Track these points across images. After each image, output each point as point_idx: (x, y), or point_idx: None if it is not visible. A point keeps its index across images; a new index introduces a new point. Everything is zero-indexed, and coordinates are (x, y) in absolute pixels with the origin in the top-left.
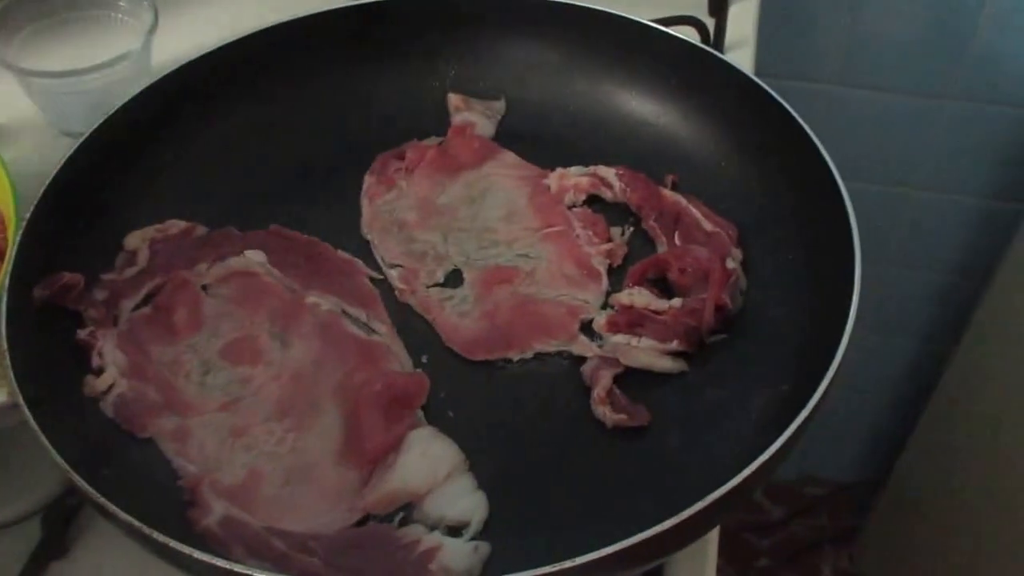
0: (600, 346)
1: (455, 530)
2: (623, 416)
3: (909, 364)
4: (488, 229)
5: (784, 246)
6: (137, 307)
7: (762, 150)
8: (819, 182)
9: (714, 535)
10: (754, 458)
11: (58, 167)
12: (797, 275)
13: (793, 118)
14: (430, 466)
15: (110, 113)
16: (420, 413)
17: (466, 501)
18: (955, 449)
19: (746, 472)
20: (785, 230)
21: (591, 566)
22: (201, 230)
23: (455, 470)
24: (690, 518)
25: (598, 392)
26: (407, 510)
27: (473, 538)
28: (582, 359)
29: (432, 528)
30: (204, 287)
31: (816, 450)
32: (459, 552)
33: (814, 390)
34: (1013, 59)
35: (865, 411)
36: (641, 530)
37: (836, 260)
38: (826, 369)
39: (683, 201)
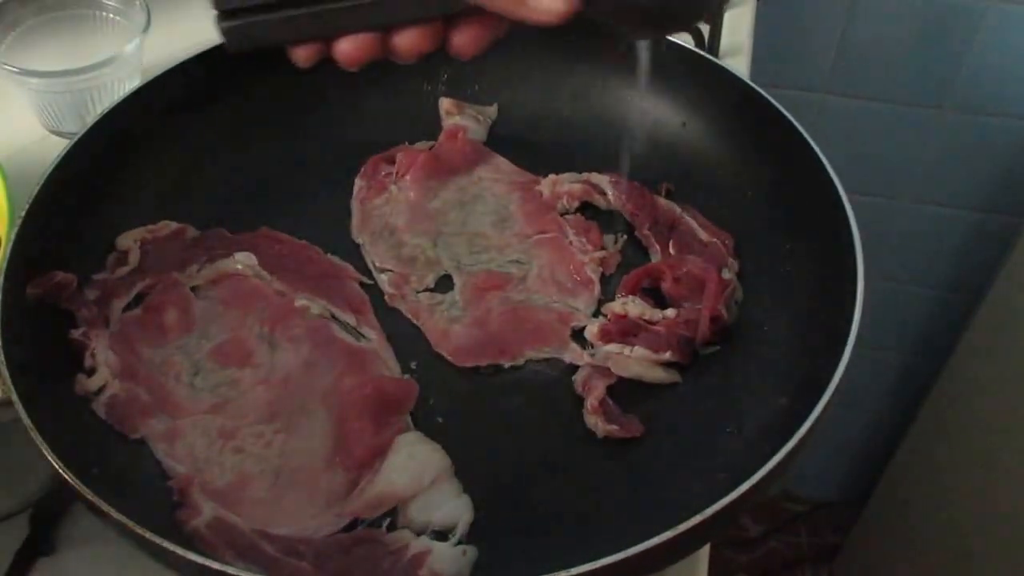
0: (592, 355)
1: (441, 535)
2: (615, 427)
3: (895, 380)
4: (479, 234)
5: (782, 257)
6: (128, 308)
7: (760, 158)
8: (819, 191)
9: (705, 550)
10: (749, 475)
11: (52, 167)
12: (795, 287)
13: (793, 125)
14: (416, 470)
15: (102, 114)
16: (408, 419)
17: (452, 505)
18: (941, 468)
19: (740, 490)
20: (783, 240)
21: None
22: (192, 231)
23: (441, 475)
24: (682, 534)
25: (591, 402)
26: (394, 515)
27: (460, 542)
28: (573, 367)
29: (419, 533)
30: (194, 289)
31: (797, 466)
32: (448, 557)
33: (812, 406)
34: (1009, 70)
35: (847, 428)
36: (631, 545)
37: (836, 272)
38: (826, 385)
39: (678, 210)
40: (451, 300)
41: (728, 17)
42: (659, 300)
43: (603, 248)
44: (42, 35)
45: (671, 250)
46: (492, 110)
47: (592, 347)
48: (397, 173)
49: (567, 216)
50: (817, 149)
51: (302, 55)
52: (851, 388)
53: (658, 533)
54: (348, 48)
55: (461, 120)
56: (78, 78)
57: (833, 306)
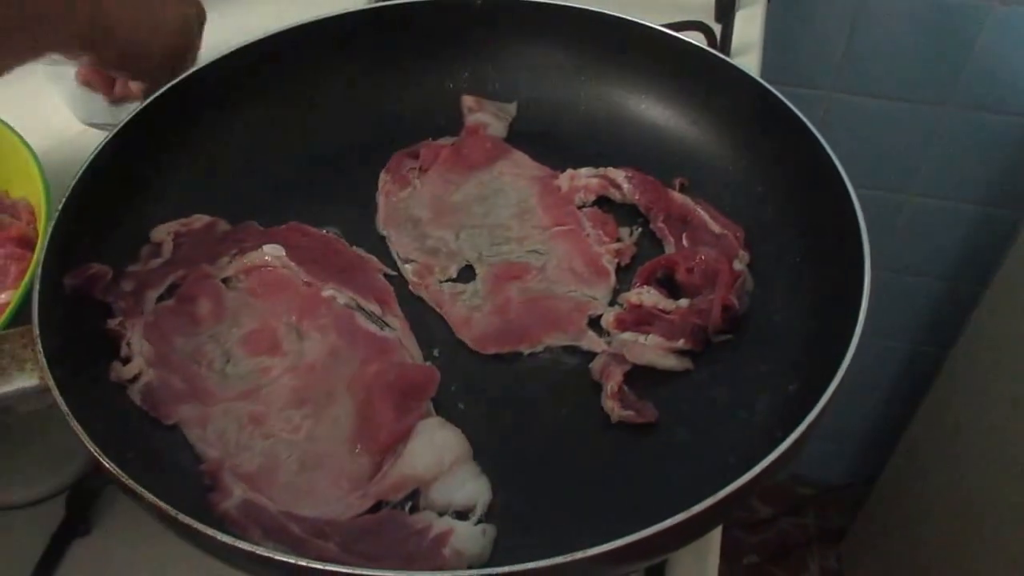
0: (608, 342)
1: (462, 515)
2: (631, 412)
3: (901, 367)
4: (500, 226)
5: (791, 248)
6: (161, 298)
7: (770, 153)
8: (827, 185)
9: (717, 532)
10: (759, 459)
11: (87, 162)
12: (804, 277)
13: (802, 122)
14: (436, 453)
15: (137, 110)
16: (430, 404)
17: (471, 486)
18: (945, 453)
19: (751, 473)
20: (792, 233)
21: (599, 559)
22: (224, 225)
23: (460, 458)
24: (695, 516)
25: (611, 387)
26: (416, 497)
27: (480, 521)
28: (590, 354)
29: (441, 514)
30: (225, 280)
31: (806, 450)
32: (470, 535)
33: (821, 393)
34: (1012, 68)
35: (855, 413)
36: (646, 526)
37: (844, 263)
38: (834, 372)
39: (691, 203)
40: (473, 289)
41: (740, 17)
42: (673, 290)
43: (619, 240)
44: None
45: (684, 242)
46: (512, 107)
47: (608, 335)
48: (421, 168)
49: (584, 209)
50: (826, 144)
51: None
52: (858, 375)
53: (672, 515)
54: None
55: (482, 117)
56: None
57: (841, 296)
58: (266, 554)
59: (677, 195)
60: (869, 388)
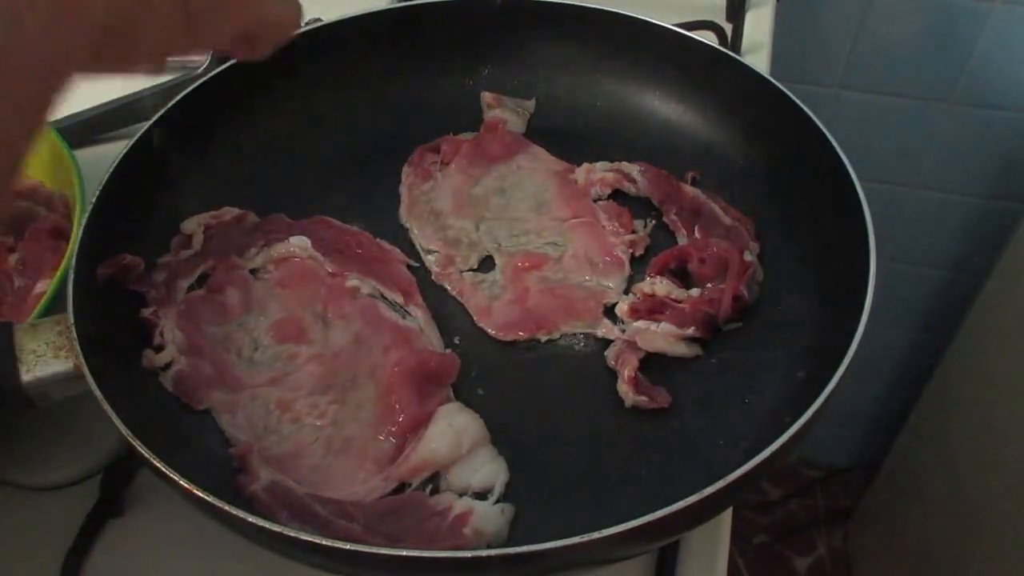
0: (622, 330)
1: (480, 496)
2: (645, 398)
3: (905, 354)
4: (518, 219)
5: (799, 240)
6: (192, 288)
7: (779, 148)
8: (834, 179)
9: (728, 513)
10: (768, 444)
11: (119, 157)
12: (811, 268)
13: (810, 118)
14: (456, 437)
15: (167, 108)
16: (450, 390)
17: (488, 468)
18: (948, 437)
19: (760, 457)
20: (800, 225)
21: (614, 539)
22: (252, 217)
23: (479, 441)
24: (707, 498)
25: (627, 373)
26: (436, 480)
27: (498, 502)
28: (604, 342)
29: (460, 495)
30: (253, 270)
31: (814, 435)
32: (489, 515)
33: (828, 380)
34: (1011, 66)
35: (861, 398)
36: (659, 508)
37: (850, 254)
38: (840, 360)
39: (702, 196)
40: (493, 279)
41: (750, 17)
42: (685, 280)
43: (633, 231)
44: None
45: (696, 234)
46: (530, 103)
47: (622, 323)
48: (442, 162)
49: (600, 202)
50: (833, 140)
51: None
52: (864, 362)
53: (684, 497)
54: None
55: (501, 113)
56: None
57: (847, 286)
58: (293, 534)
59: (689, 188)
60: (874, 375)
